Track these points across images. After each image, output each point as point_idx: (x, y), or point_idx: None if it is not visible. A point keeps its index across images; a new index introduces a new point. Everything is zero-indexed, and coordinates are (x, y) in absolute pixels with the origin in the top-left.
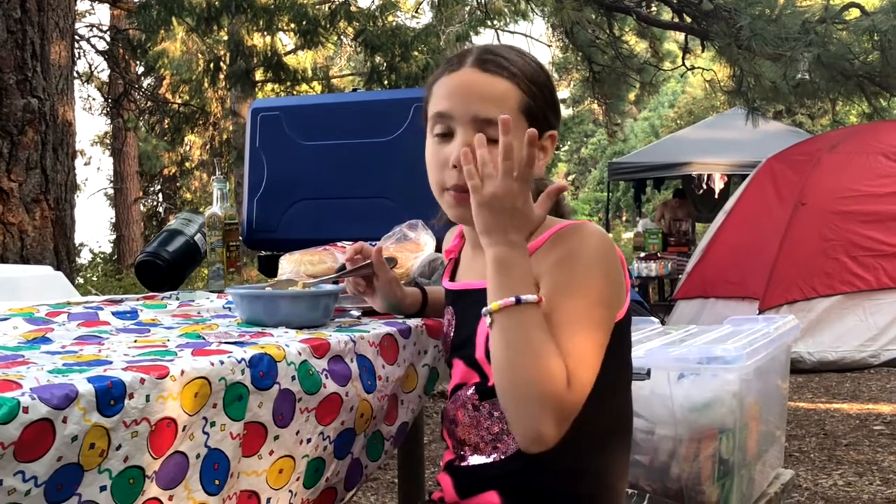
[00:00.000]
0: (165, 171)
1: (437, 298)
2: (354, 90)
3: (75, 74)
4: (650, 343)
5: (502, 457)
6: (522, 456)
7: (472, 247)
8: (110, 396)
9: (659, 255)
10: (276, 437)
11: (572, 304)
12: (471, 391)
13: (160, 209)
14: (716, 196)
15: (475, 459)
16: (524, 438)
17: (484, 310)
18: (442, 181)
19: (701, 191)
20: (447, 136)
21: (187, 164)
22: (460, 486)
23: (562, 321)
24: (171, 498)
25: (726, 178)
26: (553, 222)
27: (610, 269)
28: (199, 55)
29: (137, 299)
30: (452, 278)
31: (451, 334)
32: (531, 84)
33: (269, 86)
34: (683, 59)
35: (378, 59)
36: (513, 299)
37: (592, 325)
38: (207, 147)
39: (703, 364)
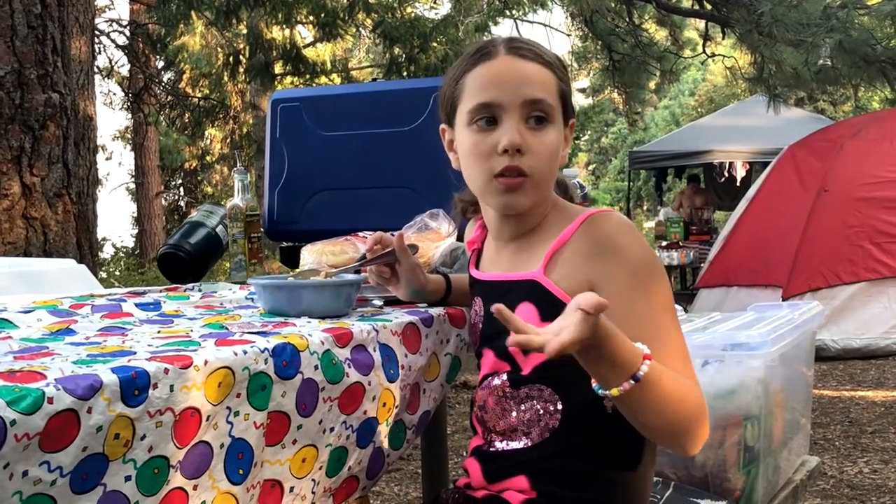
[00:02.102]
0: (186, 165)
1: (461, 286)
2: (374, 80)
3: (96, 69)
4: None
5: (531, 443)
6: (552, 442)
7: (494, 238)
8: (134, 387)
9: (680, 243)
10: (300, 427)
11: (653, 306)
12: (502, 380)
13: (181, 203)
14: (737, 184)
15: (504, 445)
16: (690, 451)
17: (600, 392)
18: (490, 168)
19: (723, 179)
20: (491, 124)
21: (208, 158)
22: (488, 472)
23: (653, 326)
24: (195, 487)
25: (748, 166)
26: (566, 207)
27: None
28: (219, 49)
29: (160, 291)
30: (477, 268)
31: (480, 325)
32: (563, 71)
33: (289, 79)
34: (704, 46)
35: (397, 50)
36: (631, 382)
37: (672, 317)
38: (228, 140)
39: (727, 351)
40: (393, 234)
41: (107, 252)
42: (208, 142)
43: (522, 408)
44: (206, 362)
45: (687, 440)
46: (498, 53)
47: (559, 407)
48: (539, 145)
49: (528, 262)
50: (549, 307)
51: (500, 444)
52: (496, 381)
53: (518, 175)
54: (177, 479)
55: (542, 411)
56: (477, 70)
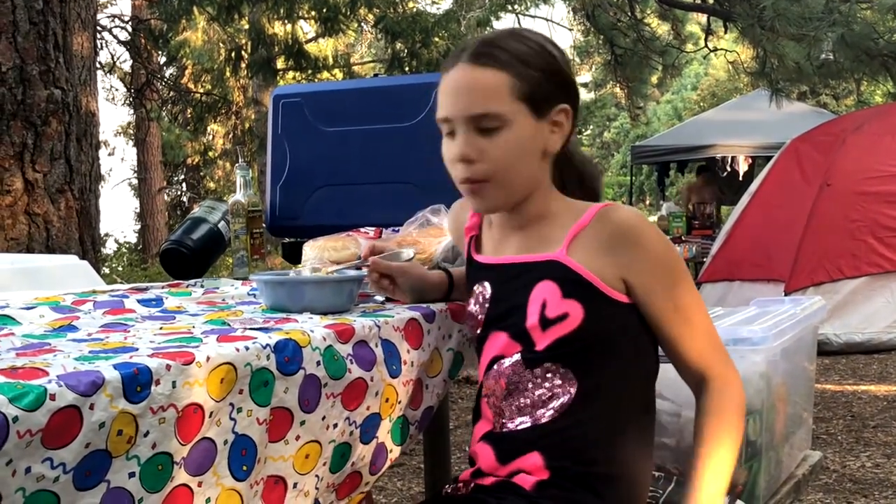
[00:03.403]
0: (189, 161)
1: (462, 280)
2: (376, 76)
3: (98, 65)
4: None
5: (546, 420)
6: (567, 417)
7: (499, 225)
8: (137, 383)
9: (683, 238)
10: (303, 423)
11: (683, 292)
12: (513, 360)
13: (184, 199)
14: (740, 178)
15: (517, 425)
16: None
17: None
18: (456, 175)
19: (725, 173)
20: (451, 134)
21: (210, 154)
22: (502, 452)
23: (686, 311)
24: (199, 484)
25: (750, 161)
26: (571, 199)
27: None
28: (221, 44)
29: (162, 287)
30: (479, 252)
31: (487, 307)
32: (526, 67)
33: (291, 74)
34: (706, 40)
35: (399, 45)
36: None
37: (697, 298)
38: (230, 136)
39: (729, 345)
40: (396, 231)
41: (109, 248)
42: (210, 137)
43: (537, 386)
44: (208, 358)
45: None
46: (457, 63)
47: (574, 384)
48: (493, 149)
49: (546, 244)
50: (571, 284)
51: (512, 425)
52: (507, 363)
53: (477, 181)
54: (181, 476)
55: (557, 389)
56: (442, 81)
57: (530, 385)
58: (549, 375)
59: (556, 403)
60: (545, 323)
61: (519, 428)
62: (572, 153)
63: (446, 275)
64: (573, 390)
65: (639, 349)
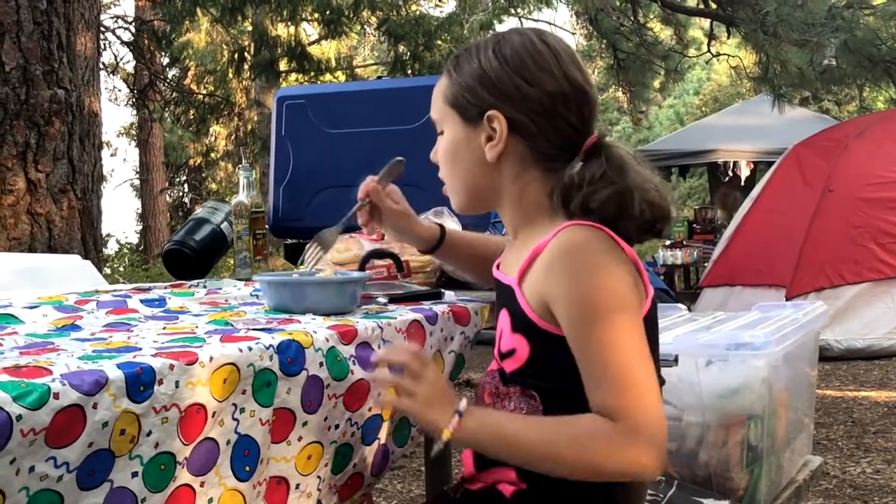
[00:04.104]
0: (191, 162)
1: (458, 241)
2: (379, 78)
3: (101, 66)
4: (678, 329)
5: None
6: None
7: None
8: (140, 382)
9: (684, 242)
10: (305, 424)
11: (596, 332)
12: (494, 377)
13: (186, 200)
14: (742, 183)
15: None
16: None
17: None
18: None
19: (727, 178)
20: None
21: (212, 155)
22: (479, 460)
23: (594, 353)
24: (202, 484)
25: (752, 166)
26: (559, 214)
27: (614, 270)
28: (224, 46)
29: (165, 287)
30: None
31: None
32: (459, 71)
33: (293, 76)
34: (709, 45)
35: (402, 48)
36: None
37: (624, 339)
38: (232, 138)
39: (731, 350)
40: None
41: (111, 248)
42: (213, 139)
43: (510, 404)
44: (211, 358)
45: (611, 471)
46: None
47: (539, 407)
48: (439, 154)
49: (514, 266)
50: (518, 318)
51: None
52: (490, 378)
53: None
54: (184, 476)
55: (526, 409)
56: None
57: (506, 402)
58: (520, 396)
59: None
60: (501, 355)
61: None
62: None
63: (440, 231)
64: (540, 412)
65: None
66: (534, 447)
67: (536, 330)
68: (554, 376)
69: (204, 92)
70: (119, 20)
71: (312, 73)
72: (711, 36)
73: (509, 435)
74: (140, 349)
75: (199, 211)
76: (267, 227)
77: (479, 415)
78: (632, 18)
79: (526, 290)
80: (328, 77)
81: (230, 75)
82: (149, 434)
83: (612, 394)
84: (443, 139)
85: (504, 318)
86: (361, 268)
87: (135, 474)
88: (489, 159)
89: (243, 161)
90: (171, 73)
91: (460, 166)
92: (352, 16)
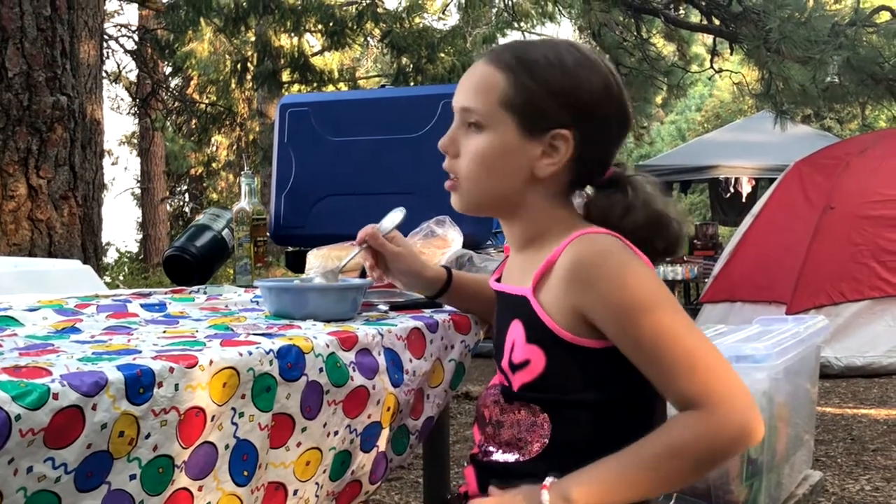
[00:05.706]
0: (192, 172)
1: (465, 283)
2: (382, 87)
3: (104, 74)
4: None
5: (523, 458)
6: (545, 459)
7: (509, 246)
8: (139, 384)
9: (685, 258)
10: (304, 429)
11: (647, 329)
12: (498, 390)
13: (186, 209)
14: (743, 200)
15: (498, 457)
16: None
17: None
18: None
19: (728, 194)
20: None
21: (214, 165)
22: (482, 480)
23: (654, 349)
24: (200, 489)
25: (754, 182)
26: (571, 222)
27: (644, 269)
28: (227, 56)
29: (165, 293)
30: (499, 279)
31: (494, 333)
32: (530, 78)
33: (296, 87)
34: (711, 61)
35: (404, 60)
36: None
37: (677, 325)
38: (234, 147)
39: (732, 363)
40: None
41: (110, 257)
42: (214, 148)
43: (515, 422)
44: (211, 362)
45: (712, 467)
46: (481, 58)
47: (549, 426)
48: (466, 148)
49: (526, 276)
50: (534, 328)
51: (495, 456)
52: (493, 392)
53: (454, 177)
54: (182, 480)
55: (532, 427)
56: None
57: (510, 419)
58: (524, 413)
59: (533, 442)
60: (512, 367)
61: (499, 461)
62: (543, 176)
63: (446, 274)
64: (549, 432)
65: (625, 391)
66: (646, 478)
67: (555, 340)
68: (572, 389)
69: (206, 102)
70: (123, 28)
71: (315, 84)
72: (714, 52)
73: (615, 482)
74: (140, 352)
75: (201, 217)
76: (268, 234)
77: (577, 482)
78: (635, 34)
79: (544, 299)
80: (331, 88)
81: (233, 85)
82: (147, 437)
83: (688, 382)
84: (483, 139)
85: (517, 328)
86: (362, 275)
87: (133, 477)
88: (539, 175)
89: (245, 168)
90: (174, 82)
91: (497, 172)
92: (355, 27)
